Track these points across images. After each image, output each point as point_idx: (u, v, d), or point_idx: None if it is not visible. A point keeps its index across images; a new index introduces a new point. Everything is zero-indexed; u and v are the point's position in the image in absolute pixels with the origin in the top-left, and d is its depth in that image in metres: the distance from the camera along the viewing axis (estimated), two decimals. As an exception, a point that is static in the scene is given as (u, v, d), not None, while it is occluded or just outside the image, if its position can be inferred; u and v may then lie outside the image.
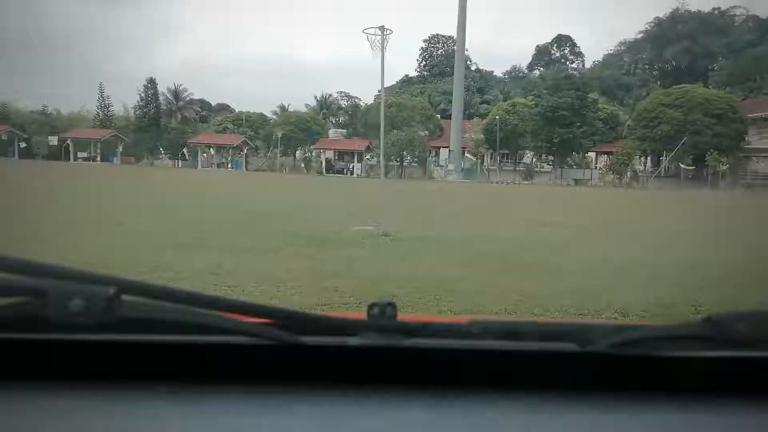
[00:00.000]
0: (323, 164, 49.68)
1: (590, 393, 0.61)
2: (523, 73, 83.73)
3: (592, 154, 48.48)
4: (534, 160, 48.15)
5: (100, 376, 0.60)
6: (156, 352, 0.62)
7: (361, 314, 0.63)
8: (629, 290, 5.46)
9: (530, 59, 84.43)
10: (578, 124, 42.81)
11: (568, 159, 46.17)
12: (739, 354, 0.59)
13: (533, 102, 44.99)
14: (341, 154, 51.32)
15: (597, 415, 0.59)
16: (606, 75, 72.51)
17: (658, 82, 68.75)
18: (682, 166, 42.46)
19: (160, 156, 55.12)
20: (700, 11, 74.79)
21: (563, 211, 15.84)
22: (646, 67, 79.35)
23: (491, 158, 49.16)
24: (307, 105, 65.37)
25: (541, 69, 78.26)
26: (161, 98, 61.08)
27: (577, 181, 43.59)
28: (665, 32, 74.45)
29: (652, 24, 77.22)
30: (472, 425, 0.56)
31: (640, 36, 78.80)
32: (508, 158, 49.52)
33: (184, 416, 0.56)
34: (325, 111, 64.88)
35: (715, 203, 23.36)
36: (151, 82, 56.54)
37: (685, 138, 41.31)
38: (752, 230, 12.62)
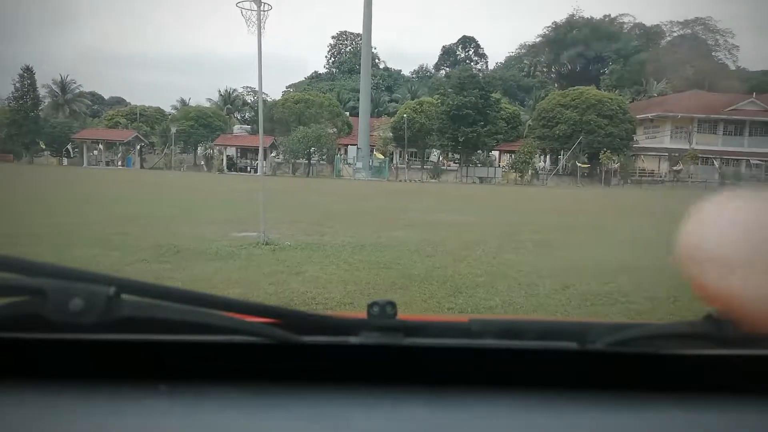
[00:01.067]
0: (224, 161, 47.41)
1: (590, 391, 0.61)
2: (430, 73, 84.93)
3: (496, 153, 49.67)
4: (441, 158, 48.53)
5: (100, 376, 0.60)
6: (156, 352, 0.61)
7: (361, 313, 0.63)
8: (538, 304, 4.79)
9: (437, 59, 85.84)
10: (482, 123, 43.48)
11: (473, 157, 46.92)
12: (740, 352, 0.59)
13: (439, 101, 45.24)
14: (244, 151, 49.14)
15: (597, 413, 0.59)
16: (508, 76, 74.91)
17: (556, 84, 72.03)
18: (578, 164, 44.42)
19: (42, 153, 50.25)
20: (592, 18, 79.19)
21: (466, 209, 15.44)
22: (545, 69, 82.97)
23: (400, 157, 49.03)
24: (209, 99, 62.40)
25: (447, 69, 79.54)
26: (46, 90, 55.88)
27: (481, 179, 44.39)
28: (562, 37, 78.18)
29: (550, 28, 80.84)
30: (472, 423, 0.56)
31: (538, 39, 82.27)
32: (416, 157, 49.62)
33: (185, 416, 0.56)
34: (229, 106, 62.14)
35: (607, 199, 24.26)
36: (28, 71, 51.18)
37: (580, 137, 43.21)
38: (640, 222, 12.80)
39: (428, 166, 47.75)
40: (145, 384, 0.59)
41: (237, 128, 53.37)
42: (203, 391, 0.59)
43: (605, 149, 42.77)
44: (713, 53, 72.99)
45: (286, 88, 74.29)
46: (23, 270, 0.50)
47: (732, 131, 51.50)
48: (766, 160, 45.96)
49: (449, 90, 44.25)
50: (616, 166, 44.53)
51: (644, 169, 48.09)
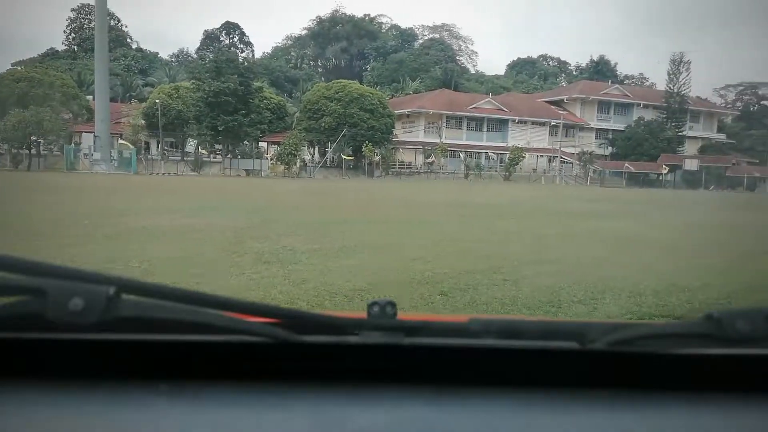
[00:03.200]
0: None
1: (590, 390, 0.61)
2: (192, 58, 79.02)
3: (264, 144, 47.78)
4: (201, 149, 44.67)
5: (100, 376, 0.60)
6: (156, 352, 0.61)
7: (361, 313, 0.63)
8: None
9: (198, 44, 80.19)
10: (243, 111, 41.01)
11: (238, 148, 44.22)
12: (739, 351, 0.59)
13: (195, 86, 41.37)
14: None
15: (597, 412, 0.59)
16: (275, 66, 73.37)
17: (323, 78, 72.75)
18: (343, 156, 44.90)
19: None
20: (354, 15, 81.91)
21: (205, 207, 13.19)
22: (312, 62, 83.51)
23: (158, 147, 43.85)
24: None
25: (211, 55, 74.89)
26: None
27: (248, 172, 42.00)
28: (326, 31, 79.34)
29: (315, 22, 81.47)
30: (472, 423, 0.56)
31: (304, 32, 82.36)
32: (175, 147, 44.96)
33: (185, 415, 0.56)
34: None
35: (371, 190, 24.21)
36: None
37: (344, 130, 43.66)
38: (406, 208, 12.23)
39: (190, 158, 43.60)
40: (145, 384, 0.59)
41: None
42: (203, 391, 0.59)
43: (367, 142, 43.89)
44: (458, 57, 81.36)
45: (12, 65, 61.80)
46: (23, 270, 0.50)
47: (474, 127, 57.55)
48: (500, 153, 52.28)
49: (206, 75, 40.63)
50: (377, 158, 46.13)
51: (403, 162, 50.93)
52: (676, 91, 59.24)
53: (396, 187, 28.69)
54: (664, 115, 58.88)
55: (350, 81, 48.15)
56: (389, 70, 72.29)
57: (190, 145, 44.94)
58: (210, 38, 79.52)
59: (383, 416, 0.57)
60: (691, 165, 52.26)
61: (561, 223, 11.49)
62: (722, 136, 62.19)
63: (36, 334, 0.56)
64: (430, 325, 0.61)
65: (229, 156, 43.52)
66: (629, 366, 0.62)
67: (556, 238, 8.95)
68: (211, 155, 44.51)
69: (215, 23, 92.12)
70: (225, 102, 39.64)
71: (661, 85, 62.67)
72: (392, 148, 48.76)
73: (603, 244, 8.39)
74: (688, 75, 59.23)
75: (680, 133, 58.44)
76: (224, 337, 0.58)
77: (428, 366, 0.62)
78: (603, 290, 4.94)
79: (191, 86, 42.01)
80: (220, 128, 40.26)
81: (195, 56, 78.45)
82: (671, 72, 59.68)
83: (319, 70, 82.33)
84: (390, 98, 57.77)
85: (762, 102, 76.05)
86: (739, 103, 77.29)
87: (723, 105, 73.37)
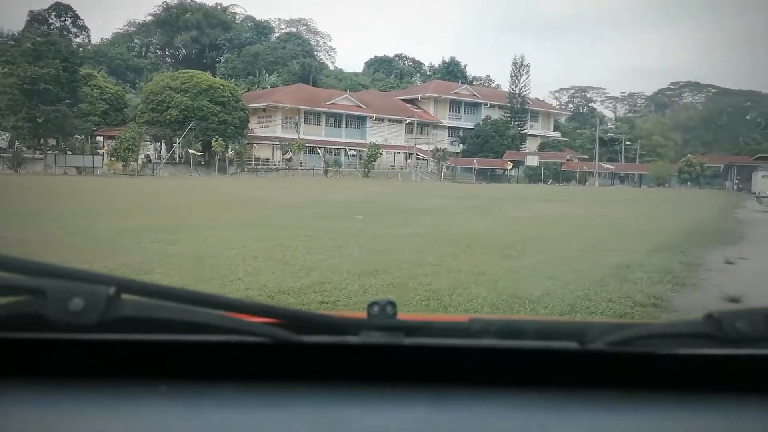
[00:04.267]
0: None
1: (590, 390, 0.61)
2: (14, 41, 69.18)
3: (102, 138, 42.95)
4: (18, 144, 38.81)
5: (100, 376, 0.60)
6: (156, 352, 0.61)
7: (361, 313, 0.63)
8: None
9: (23, 26, 70.43)
10: (69, 101, 36.23)
11: (66, 143, 39.10)
12: (740, 351, 0.59)
13: (7, 70, 35.72)
14: None
15: (597, 412, 0.59)
16: (114, 54, 66.77)
17: (171, 69, 67.75)
18: (191, 152, 41.77)
19: None
20: (205, 4, 77.31)
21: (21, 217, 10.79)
22: (158, 51, 77.54)
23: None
24: None
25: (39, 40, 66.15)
26: None
27: (79, 169, 37.27)
28: (174, 19, 74.04)
29: (161, 8, 75.61)
30: (472, 423, 0.57)
31: (149, 19, 76.13)
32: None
33: (185, 415, 0.57)
34: None
35: (215, 188, 22.30)
36: None
37: (192, 123, 40.63)
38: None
39: (7, 154, 37.72)
40: (145, 384, 0.59)
41: None
42: (203, 391, 0.59)
43: (217, 137, 41.21)
44: (316, 52, 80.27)
45: None
46: (23, 270, 0.50)
47: (333, 123, 57.00)
48: (360, 149, 52.25)
49: (20, 58, 35.23)
50: (230, 153, 43.63)
51: (260, 158, 48.86)
52: (518, 92, 63.57)
53: (243, 186, 26.92)
54: (509, 115, 62.89)
55: (199, 71, 44.95)
56: (244, 63, 69.20)
57: (2, 139, 38.92)
58: (37, 20, 70.23)
59: (383, 416, 0.57)
60: (531, 161, 56.37)
61: (406, 222, 10.95)
62: (558, 135, 68.00)
63: (36, 334, 0.56)
64: (430, 325, 0.61)
65: (55, 152, 38.33)
66: (629, 366, 0.62)
67: (398, 240, 8.24)
68: (37, 151, 38.93)
69: (44, 3, 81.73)
70: (45, 90, 34.57)
71: (506, 86, 66.89)
72: (247, 144, 46.48)
73: (442, 245, 7.82)
74: (528, 77, 63.89)
75: (522, 132, 62.81)
76: (224, 337, 0.58)
77: (428, 366, 0.62)
78: (435, 309, 4.19)
79: (3, 71, 36.26)
80: (39, 120, 35.08)
81: (20, 40, 68.94)
82: (513, 74, 64.01)
83: (168, 60, 76.60)
84: (246, 92, 55.33)
85: (590, 104, 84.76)
86: (571, 105, 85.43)
87: (558, 106, 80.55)
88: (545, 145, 62.44)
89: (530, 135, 64.76)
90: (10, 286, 0.51)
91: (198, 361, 0.62)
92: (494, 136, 59.05)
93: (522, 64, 63.62)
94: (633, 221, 12.55)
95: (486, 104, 65.80)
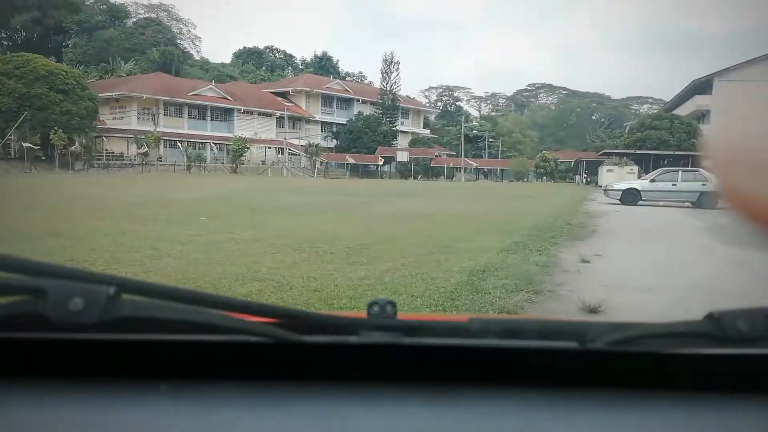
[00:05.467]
0: None
1: (591, 390, 0.61)
2: None
3: None
4: None
5: (100, 376, 0.60)
6: (156, 352, 0.61)
7: (361, 312, 0.63)
8: None
9: None
10: None
11: None
12: (740, 351, 0.59)
13: None
14: None
15: (598, 412, 0.59)
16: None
17: (8, 53, 59.67)
18: (26, 145, 36.71)
19: None
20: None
21: None
22: (-7, 32, 68.12)
23: None
24: None
25: None
26: None
27: None
28: (10, -3, 65.30)
29: (-8, -17, 66.25)
30: (472, 423, 0.57)
31: (-22, -6, 66.42)
32: None
33: (185, 415, 0.57)
34: None
35: (36, 189, 19.33)
36: None
37: (26, 113, 35.75)
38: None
39: None
40: (146, 384, 0.59)
41: None
42: (203, 391, 0.59)
43: (56, 128, 36.56)
44: (179, 41, 75.11)
45: None
46: (23, 270, 0.51)
47: (197, 115, 53.53)
48: (227, 144, 49.42)
49: None
50: (75, 148, 39.01)
51: (113, 152, 44.44)
52: (388, 89, 64.18)
53: (74, 183, 23.75)
54: (380, 111, 63.31)
55: (37, 55, 39.67)
56: (96, 49, 62.80)
57: None
58: None
59: (383, 416, 0.57)
60: (402, 157, 57.13)
61: (255, 223, 9.79)
62: (427, 132, 69.78)
63: (36, 334, 0.56)
64: (430, 325, 0.61)
65: None
66: (629, 366, 0.62)
67: (234, 247, 7.08)
68: None
69: None
70: None
71: (379, 83, 67.30)
72: (96, 137, 41.97)
73: (284, 252, 6.81)
74: (398, 74, 64.69)
75: (394, 128, 63.55)
76: (224, 337, 0.58)
77: (428, 366, 0.62)
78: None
79: None
80: None
81: None
82: (384, 71, 64.49)
83: (5, 43, 67.45)
84: (97, 80, 50.20)
85: (457, 103, 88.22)
86: (440, 103, 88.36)
87: (428, 104, 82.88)
88: (416, 142, 63.70)
89: (402, 131, 65.74)
90: (10, 286, 0.51)
91: (198, 361, 0.62)
92: (367, 131, 59.08)
93: (392, 61, 64.32)
94: (491, 216, 12.44)
95: (358, 100, 65.70)
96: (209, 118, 54.38)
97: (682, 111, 51.63)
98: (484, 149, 67.91)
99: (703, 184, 18.48)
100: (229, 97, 54.65)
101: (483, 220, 11.55)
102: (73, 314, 0.49)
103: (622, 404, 0.60)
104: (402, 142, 64.18)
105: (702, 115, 50.79)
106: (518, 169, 54.94)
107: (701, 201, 18.23)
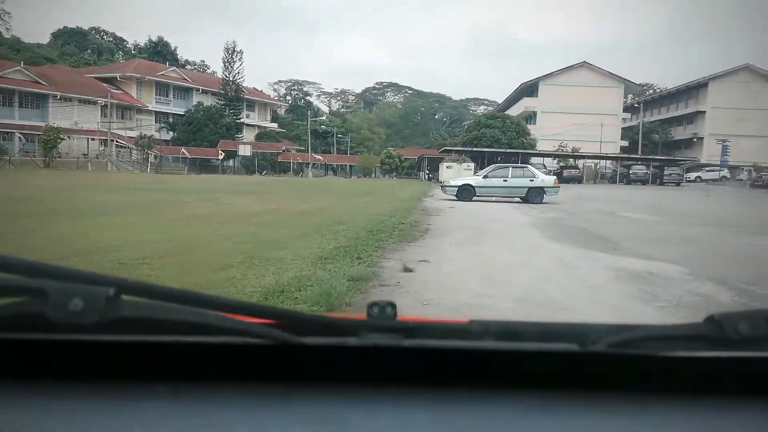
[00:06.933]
0: None
1: (591, 393, 0.61)
2: None
3: None
4: None
5: (100, 376, 0.60)
6: (156, 352, 0.61)
7: (360, 314, 0.63)
8: None
9: None
10: None
11: None
12: (740, 354, 0.59)
13: None
14: None
15: (598, 414, 0.59)
16: None
17: None
18: None
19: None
20: None
21: None
22: None
23: None
24: None
25: None
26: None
27: None
28: None
29: None
30: (472, 425, 0.57)
31: None
32: None
33: (185, 416, 0.57)
34: None
35: None
36: None
37: None
38: None
39: None
40: (145, 385, 0.59)
41: None
42: (203, 393, 0.59)
43: None
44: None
45: None
46: (23, 270, 0.51)
47: (2, 101, 46.23)
48: (38, 133, 42.99)
49: None
50: None
51: None
52: (231, 79, 60.90)
53: None
54: (223, 102, 59.85)
55: None
56: None
57: None
58: None
59: (383, 418, 0.57)
60: (245, 150, 54.44)
61: (24, 234, 7.73)
62: (275, 125, 67.55)
63: (36, 334, 0.56)
64: (430, 327, 0.61)
65: None
66: (630, 368, 0.62)
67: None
68: None
69: None
70: None
71: (221, 73, 63.55)
72: None
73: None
74: (241, 64, 61.70)
75: (238, 120, 60.47)
76: (224, 339, 0.58)
77: (428, 368, 0.62)
78: None
79: None
80: None
81: None
82: (226, 60, 61.05)
83: None
84: None
85: (307, 97, 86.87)
86: (289, 97, 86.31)
87: (276, 98, 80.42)
88: (263, 136, 61.31)
89: (247, 124, 62.86)
90: (10, 286, 0.51)
91: (198, 363, 0.61)
92: (208, 123, 55.44)
93: (234, 50, 61.17)
94: (324, 216, 11.46)
95: (198, 89, 61.55)
96: (17, 104, 47.19)
97: (513, 111, 55.61)
98: (333, 145, 67.44)
99: (530, 180, 19.37)
100: (42, 81, 47.86)
101: (313, 220, 10.50)
102: (73, 315, 0.49)
103: (623, 407, 0.59)
104: (248, 135, 61.33)
105: (530, 116, 55.09)
106: (365, 165, 55.20)
107: (529, 196, 19.08)
